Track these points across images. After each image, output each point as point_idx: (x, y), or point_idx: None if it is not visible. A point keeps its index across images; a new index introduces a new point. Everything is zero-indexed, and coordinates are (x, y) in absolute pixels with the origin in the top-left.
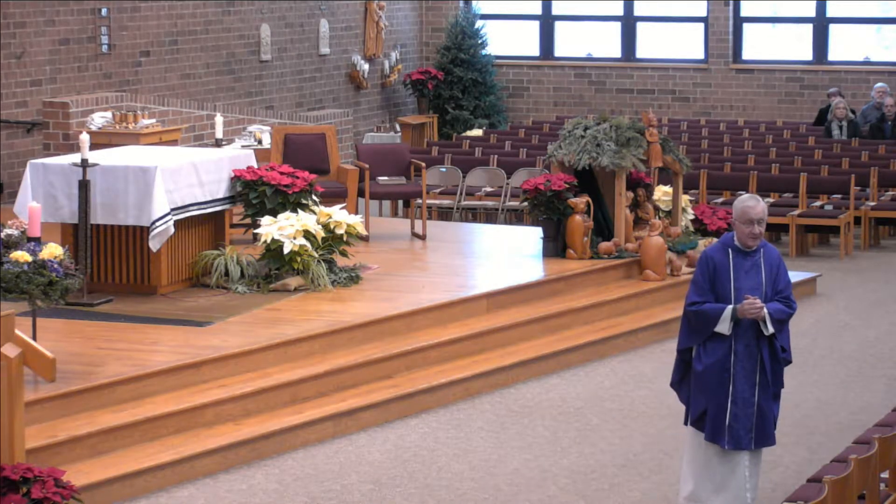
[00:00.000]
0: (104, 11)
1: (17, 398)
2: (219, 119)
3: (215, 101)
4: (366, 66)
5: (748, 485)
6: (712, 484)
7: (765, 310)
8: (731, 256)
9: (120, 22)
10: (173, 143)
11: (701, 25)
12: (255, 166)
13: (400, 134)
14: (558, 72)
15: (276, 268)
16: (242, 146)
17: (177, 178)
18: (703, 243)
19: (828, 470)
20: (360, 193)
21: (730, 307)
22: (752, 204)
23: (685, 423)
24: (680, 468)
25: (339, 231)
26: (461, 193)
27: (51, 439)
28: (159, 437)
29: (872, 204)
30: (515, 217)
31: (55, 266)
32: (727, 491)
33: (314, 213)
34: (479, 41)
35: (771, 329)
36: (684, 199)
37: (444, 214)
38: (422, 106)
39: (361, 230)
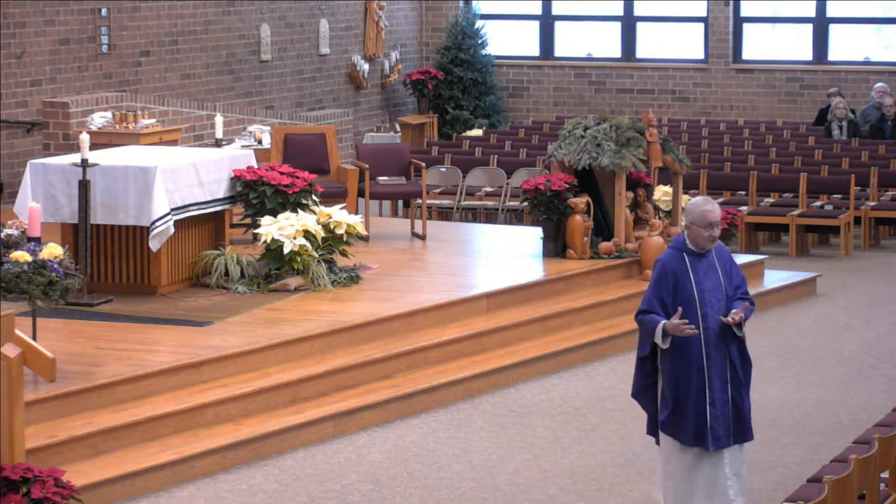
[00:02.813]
0: (104, 11)
1: (17, 398)
2: (219, 119)
3: (215, 101)
4: (366, 66)
5: (729, 482)
6: (698, 489)
7: (740, 315)
8: (687, 260)
9: (120, 22)
10: (173, 143)
11: (701, 25)
12: (255, 166)
13: (400, 134)
14: (558, 72)
15: (276, 268)
16: (242, 146)
17: (177, 178)
18: None
19: (828, 470)
20: (360, 193)
21: (661, 323)
22: (710, 208)
23: (648, 433)
24: (659, 483)
25: (339, 231)
26: (461, 193)
27: (51, 439)
28: (159, 437)
29: (872, 204)
30: (515, 217)
31: (55, 266)
32: (712, 493)
33: (314, 213)
34: (479, 41)
35: (744, 332)
36: (684, 199)
37: (444, 214)
38: (422, 106)
39: (361, 230)
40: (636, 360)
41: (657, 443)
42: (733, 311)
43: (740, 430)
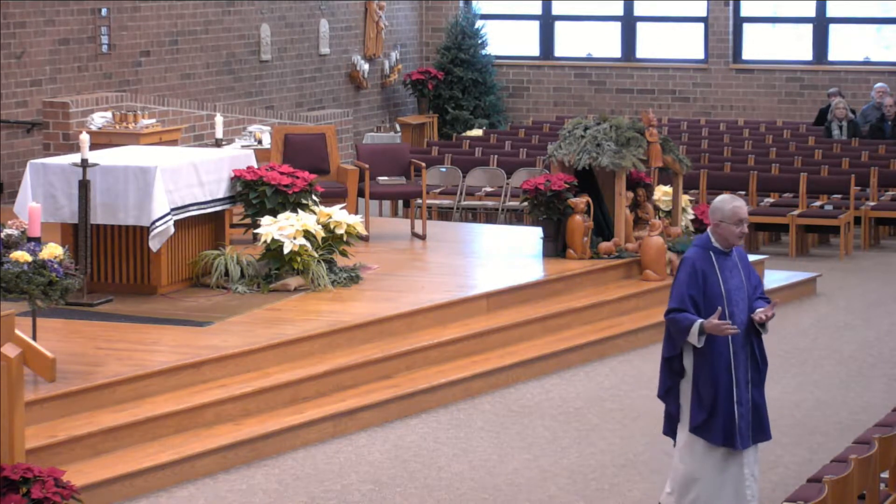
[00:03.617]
0: (104, 11)
1: (17, 398)
2: (219, 119)
3: (215, 101)
4: (366, 66)
5: (747, 483)
6: (725, 490)
7: (770, 312)
8: (714, 259)
9: (120, 22)
10: (173, 143)
11: (701, 25)
12: (255, 166)
13: (400, 134)
14: (558, 72)
15: (276, 268)
16: (242, 146)
17: (177, 178)
18: None
19: (828, 470)
20: (360, 193)
21: (698, 322)
22: (739, 204)
23: (666, 433)
24: (675, 483)
25: (339, 231)
26: (461, 193)
27: (51, 439)
28: (159, 437)
29: (872, 204)
30: (515, 217)
31: (55, 266)
32: (737, 493)
33: (314, 213)
34: (479, 41)
35: (768, 331)
36: (684, 199)
37: (444, 214)
38: (422, 106)
39: (361, 230)
40: (662, 361)
41: (675, 444)
42: (761, 308)
43: (760, 430)
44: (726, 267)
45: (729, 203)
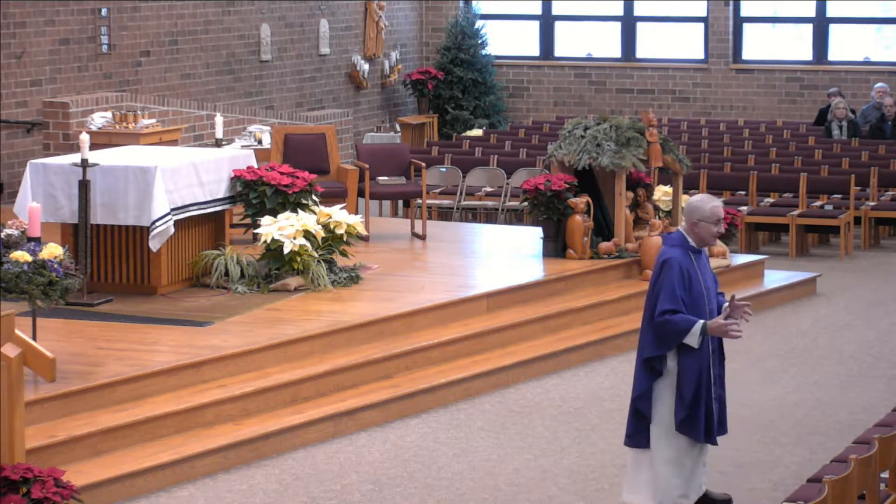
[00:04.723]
0: (104, 11)
1: (17, 398)
2: (219, 119)
3: (215, 101)
4: (366, 66)
5: (703, 470)
6: (699, 482)
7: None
8: (692, 258)
9: (120, 22)
10: (173, 143)
11: (701, 25)
12: (255, 166)
13: (400, 134)
14: (558, 72)
15: (276, 268)
16: (242, 146)
17: (177, 178)
18: None
19: (828, 470)
20: (360, 193)
21: (700, 323)
22: (717, 203)
23: (632, 443)
24: (662, 490)
25: (339, 231)
26: (461, 193)
27: (51, 439)
28: (159, 437)
29: (872, 204)
30: (515, 217)
31: (55, 266)
32: (696, 481)
33: (314, 213)
34: (479, 41)
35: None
36: (684, 199)
37: (444, 214)
38: (422, 106)
39: (361, 230)
40: (643, 362)
41: (647, 445)
42: (731, 302)
43: (721, 424)
44: (702, 266)
45: (708, 203)
